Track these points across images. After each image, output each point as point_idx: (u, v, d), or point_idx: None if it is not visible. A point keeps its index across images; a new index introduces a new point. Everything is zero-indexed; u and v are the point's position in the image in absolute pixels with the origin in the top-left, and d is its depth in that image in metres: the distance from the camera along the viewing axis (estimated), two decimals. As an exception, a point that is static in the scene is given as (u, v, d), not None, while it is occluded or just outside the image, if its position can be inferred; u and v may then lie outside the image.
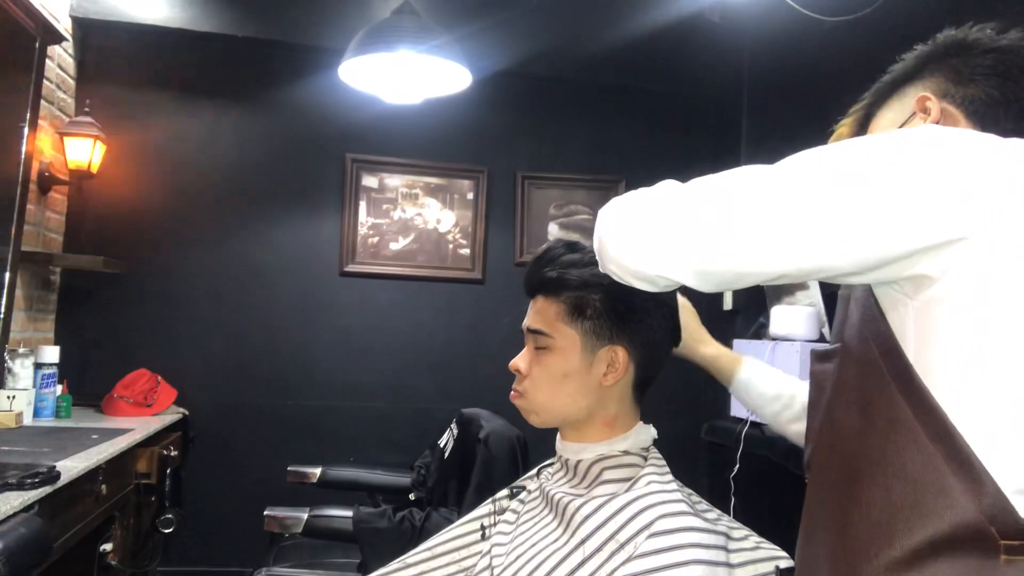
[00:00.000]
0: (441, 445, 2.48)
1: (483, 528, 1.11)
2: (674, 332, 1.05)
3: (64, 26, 2.88)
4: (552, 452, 1.10)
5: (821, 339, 2.68)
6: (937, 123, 0.83)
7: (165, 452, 2.59)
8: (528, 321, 1.05)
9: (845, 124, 0.96)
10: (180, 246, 3.22)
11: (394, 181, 3.45)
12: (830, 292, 2.89)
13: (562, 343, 1.01)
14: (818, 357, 0.82)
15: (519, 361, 1.05)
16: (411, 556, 1.13)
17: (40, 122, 2.67)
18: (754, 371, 1.14)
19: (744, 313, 3.13)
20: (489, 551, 1.03)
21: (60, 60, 2.92)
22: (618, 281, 0.79)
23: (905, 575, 0.63)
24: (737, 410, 2.90)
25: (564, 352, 1.01)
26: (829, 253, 0.64)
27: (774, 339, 2.68)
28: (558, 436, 1.07)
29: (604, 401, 1.01)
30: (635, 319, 1.00)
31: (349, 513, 2.00)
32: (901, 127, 0.88)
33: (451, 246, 3.48)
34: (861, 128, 0.94)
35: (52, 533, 1.61)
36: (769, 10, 2.82)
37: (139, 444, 2.38)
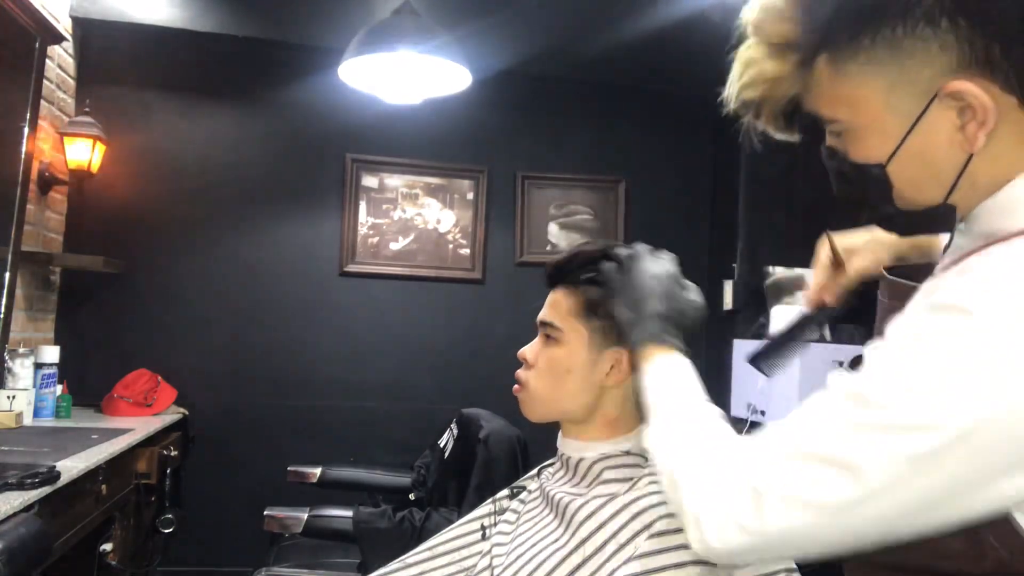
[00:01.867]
0: (441, 445, 2.49)
1: (483, 528, 1.11)
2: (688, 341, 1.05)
3: (64, 26, 2.88)
4: (553, 452, 1.10)
5: (821, 339, 2.68)
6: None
7: (165, 452, 2.59)
8: (541, 315, 1.05)
9: (765, 33, 0.73)
10: (180, 246, 3.22)
11: (394, 181, 3.45)
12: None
13: (570, 337, 1.01)
14: None
15: (527, 350, 1.06)
16: (411, 556, 1.13)
17: (40, 122, 2.67)
18: None
19: (744, 313, 3.13)
20: (489, 551, 1.03)
21: (60, 60, 2.92)
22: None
23: None
24: (737, 410, 2.91)
25: (570, 347, 1.01)
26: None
27: (774, 339, 2.68)
28: (560, 434, 1.07)
29: (605, 401, 1.01)
30: None
31: (349, 513, 2.00)
32: (915, 124, 0.68)
33: (451, 246, 3.48)
34: (799, 76, 0.73)
35: (52, 533, 1.61)
36: (769, 10, 2.81)
37: (139, 444, 2.38)
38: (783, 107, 0.79)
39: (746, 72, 0.75)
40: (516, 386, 1.06)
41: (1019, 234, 0.65)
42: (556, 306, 1.03)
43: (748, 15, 0.73)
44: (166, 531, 2.59)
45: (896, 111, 0.68)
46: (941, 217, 0.84)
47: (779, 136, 0.84)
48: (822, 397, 0.67)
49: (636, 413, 1.04)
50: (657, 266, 0.94)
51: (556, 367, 1.02)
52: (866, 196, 0.80)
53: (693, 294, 0.94)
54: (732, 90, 0.78)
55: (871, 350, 0.67)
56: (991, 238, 0.68)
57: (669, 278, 0.93)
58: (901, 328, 0.66)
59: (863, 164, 0.74)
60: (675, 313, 0.89)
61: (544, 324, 1.04)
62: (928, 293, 0.68)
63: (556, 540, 0.95)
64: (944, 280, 0.68)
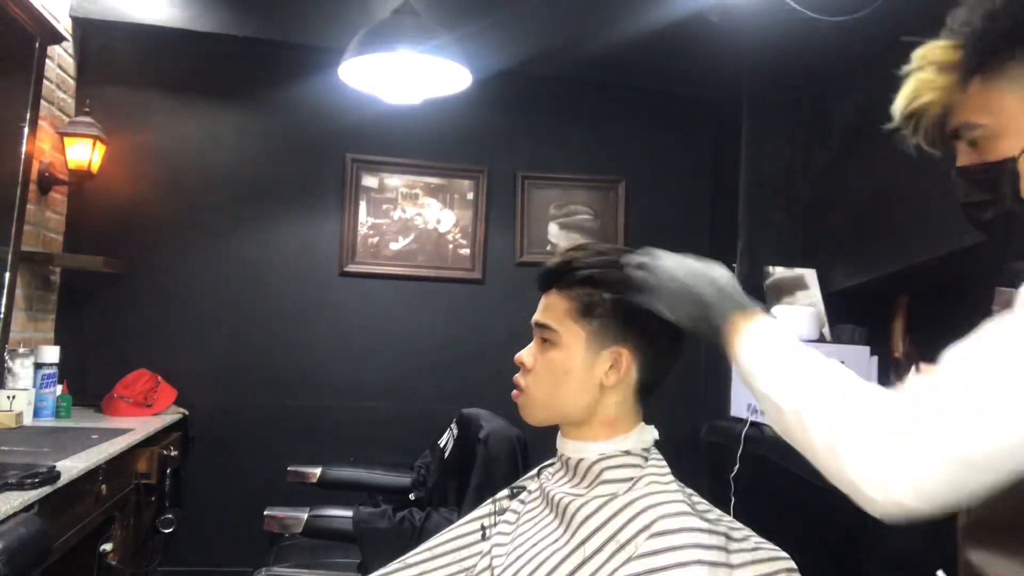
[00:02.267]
0: (441, 445, 2.49)
1: (483, 528, 1.11)
2: (684, 341, 1.05)
3: (64, 26, 2.89)
4: (552, 452, 1.10)
5: (821, 339, 2.68)
6: None
7: (165, 452, 2.59)
8: (537, 315, 1.05)
9: (934, 58, 0.89)
10: (180, 246, 3.22)
11: (394, 181, 3.45)
12: (830, 292, 2.89)
13: (567, 339, 1.01)
14: None
15: (524, 355, 1.05)
16: (411, 556, 1.13)
17: (40, 122, 2.67)
18: None
19: (744, 313, 3.13)
20: (489, 551, 1.03)
21: (60, 60, 2.92)
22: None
23: None
24: (737, 410, 2.90)
25: (568, 348, 1.01)
26: None
27: (774, 339, 2.68)
28: (559, 434, 1.07)
29: (604, 401, 1.01)
30: (644, 323, 1.00)
31: (349, 513, 2.00)
32: None
33: (451, 246, 3.48)
34: (960, 88, 0.86)
35: (52, 533, 1.61)
36: (769, 10, 2.81)
37: (139, 444, 2.38)
38: (937, 120, 0.91)
39: (915, 89, 0.90)
40: (515, 391, 1.06)
41: None
42: (551, 308, 1.03)
43: (919, 48, 0.90)
44: (166, 531, 2.59)
45: None
46: None
47: (928, 148, 0.96)
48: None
49: (635, 413, 1.04)
50: (672, 257, 0.94)
51: (554, 369, 1.02)
52: (998, 191, 0.86)
53: (716, 264, 0.94)
54: (899, 105, 0.92)
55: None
56: None
57: (693, 261, 0.93)
58: None
59: (1000, 161, 0.84)
60: (727, 285, 0.90)
61: (540, 326, 1.04)
62: None
63: (556, 540, 0.96)
64: None
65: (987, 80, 0.83)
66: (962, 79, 0.86)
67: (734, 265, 3.21)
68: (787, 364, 0.80)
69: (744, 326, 0.85)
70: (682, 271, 0.92)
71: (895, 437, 0.67)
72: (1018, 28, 0.81)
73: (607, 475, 0.99)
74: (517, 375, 1.06)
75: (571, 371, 1.01)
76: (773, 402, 0.79)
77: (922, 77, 0.90)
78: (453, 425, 2.46)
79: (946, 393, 0.67)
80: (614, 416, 1.02)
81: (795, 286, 2.91)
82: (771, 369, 0.81)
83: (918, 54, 0.91)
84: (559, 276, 1.04)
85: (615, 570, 0.87)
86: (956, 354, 0.69)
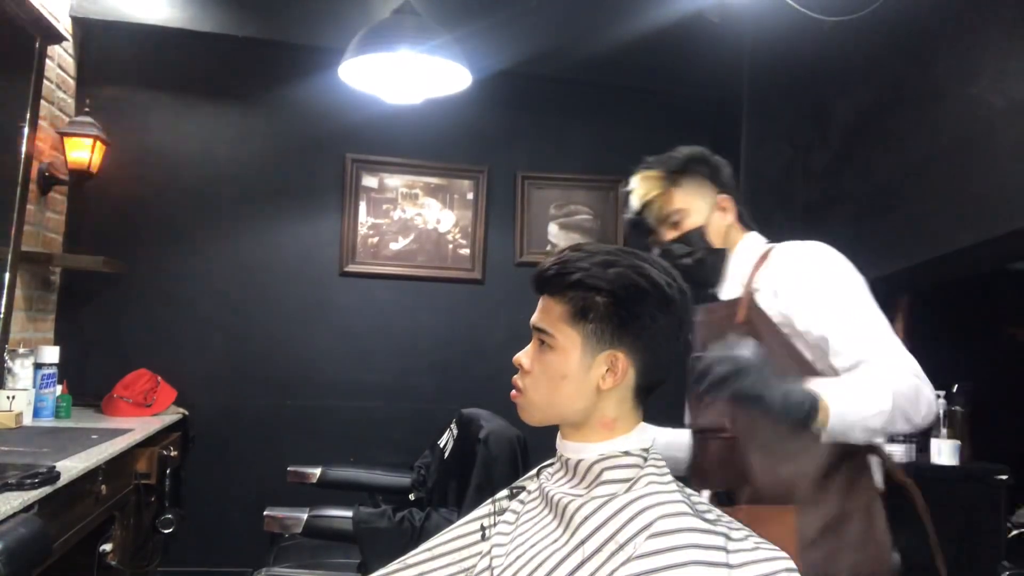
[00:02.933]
0: (441, 445, 2.48)
1: (483, 528, 1.11)
2: (681, 342, 1.05)
3: (64, 26, 2.89)
4: (552, 452, 1.10)
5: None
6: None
7: (165, 452, 2.59)
8: (533, 319, 1.05)
9: (651, 177, 1.52)
10: (180, 246, 3.22)
11: (394, 181, 3.45)
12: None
13: (563, 343, 1.01)
14: None
15: (522, 357, 1.05)
16: (411, 556, 1.13)
17: (40, 122, 2.67)
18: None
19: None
20: (489, 551, 1.03)
21: (60, 60, 2.92)
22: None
23: None
24: (737, 410, 2.90)
25: (564, 352, 1.01)
26: None
27: (774, 339, 2.68)
28: (558, 435, 1.07)
29: (602, 404, 1.01)
30: (638, 325, 0.99)
31: (349, 513, 2.00)
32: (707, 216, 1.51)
33: (451, 246, 3.48)
34: (666, 192, 1.49)
35: (52, 533, 1.61)
36: (769, 10, 2.82)
37: (139, 444, 2.38)
38: (657, 209, 1.51)
39: (646, 191, 1.51)
40: (513, 392, 1.06)
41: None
42: (547, 312, 1.03)
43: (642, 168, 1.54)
44: (166, 531, 2.59)
45: (704, 203, 1.52)
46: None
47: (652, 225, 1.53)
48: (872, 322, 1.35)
49: (634, 414, 1.04)
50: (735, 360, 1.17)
51: (551, 373, 1.01)
52: (693, 247, 1.49)
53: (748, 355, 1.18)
54: (636, 198, 1.52)
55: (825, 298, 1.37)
56: (766, 249, 1.49)
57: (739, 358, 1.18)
58: (829, 285, 1.40)
59: (690, 230, 1.50)
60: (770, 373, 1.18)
61: (537, 330, 1.04)
62: (775, 282, 1.41)
63: (555, 541, 0.96)
64: (777, 271, 1.43)
65: (677, 187, 1.50)
66: (667, 186, 1.50)
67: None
68: (861, 409, 1.23)
69: (822, 405, 1.19)
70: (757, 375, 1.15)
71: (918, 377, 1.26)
72: (683, 164, 1.51)
73: (606, 475, 0.99)
74: (516, 376, 1.06)
75: (567, 375, 1.00)
76: (872, 428, 1.25)
77: (647, 185, 1.50)
78: (453, 425, 2.46)
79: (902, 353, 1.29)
80: (613, 418, 1.02)
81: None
82: (857, 416, 1.22)
83: (641, 173, 1.52)
84: (552, 279, 1.03)
85: (614, 570, 0.87)
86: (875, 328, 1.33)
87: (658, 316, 1.00)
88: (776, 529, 1.23)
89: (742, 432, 1.37)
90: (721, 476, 1.40)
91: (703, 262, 1.48)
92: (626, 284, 0.99)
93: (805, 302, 1.36)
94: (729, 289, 1.49)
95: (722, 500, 1.36)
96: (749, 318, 1.39)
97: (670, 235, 1.48)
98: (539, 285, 1.05)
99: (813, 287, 1.37)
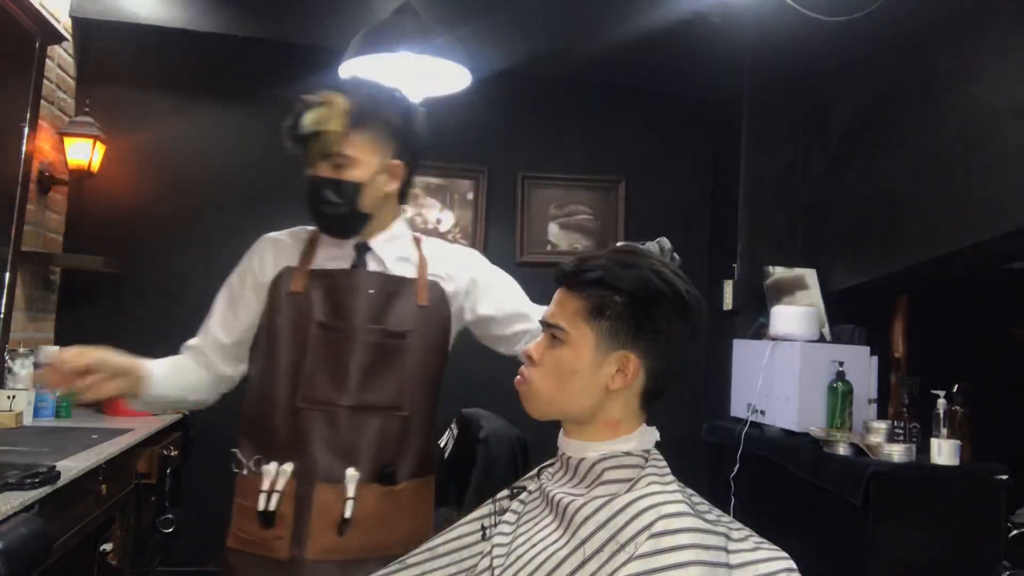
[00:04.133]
0: (441, 445, 2.49)
1: (483, 528, 1.11)
2: (694, 350, 1.05)
3: (64, 26, 2.89)
4: (553, 453, 1.10)
5: (821, 339, 2.68)
6: None
7: (165, 452, 2.59)
8: (547, 314, 1.05)
9: (337, 108, 1.36)
10: (180, 246, 3.22)
11: (394, 181, 3.44)
12: (830, 292, 2.89)
13: (576, 338, 1.01)
14: None
15: (532, 348, 1.05)
16: (411, 556, 1.13)
17: (40, 122, 2.67)
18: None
19: (744, 313, 3.14)
20: (490, 552, 1.03)
21: (60, 60, 2.92)
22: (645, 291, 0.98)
23: None
24: (737, 410, 2.91)
25: (576, 348, 1.01)
26: None
27: (774, 339, 2.69)
28: (561, 432, 1.07)
29: (608, 404, 1.01)
30: (653, 329, 0.99)
31: (349, 513, 1.99)
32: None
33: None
34: (345, 133, 1.36)
35: (52, 533, 1.61)
36: (769, 10, 2.82)
37: (139, 444, 2.38)
38: (327, 142, 1.35)
39: (322, 117, 1.35)
40: (518, 378, 1.06)
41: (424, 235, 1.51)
42: (563, 307, 1.03)
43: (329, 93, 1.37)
44: (166, 531, 2.59)
45: (375, 161, 1.38)
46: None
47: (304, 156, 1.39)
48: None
49: (639, 416, 1.04)
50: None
51: (561, 368, 1.01)
52: (344, 201, 1.35)
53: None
54: (309, 120, 1.36)
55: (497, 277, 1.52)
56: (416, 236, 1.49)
57: None
58: (486, 269, 1.52)
59: (350, 181, 1.36)
60: None
61: (550, 325, 1.04)
62: (466, 272, 1.48)
63: (556, 541, 0.96)
64: (434, 256, 1.47)
65: (360, 131, 1.35)
66: (349, 126, 1.33)
67: (734, 265, 3.22)
68: None
69: None
70: None
71: None
72: (380, 110, 1.39)
73: (608, 475, 0.99)
74: (523, 367, 1.06)
75: (577, 371, 1.00)
76: None
77: (326, 112, 1.33)
78: (453, 425, 2.46)
79: None
80: (617, 419, 1.02)
81: (795, 286, 2.91)
82: None
83: (328, 95, 1.35)
84: (572, 275, 1.03)
85: (615, 570, 0.87)
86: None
87: (674, 322, 1.00)
88: (426, 497, 1.45)
89: (415, 410, 1.39)
90: (378, 455, 1.35)
91: (344, 221, 1.37)
92: (645, 287, 0.99)
93: (501, 288, 1.50)
94: (375, 262, 1.41)
95: (385, 480, 1.34)
96: (430, 301, 1.41)
97: (325, 172, 1.35)
98: (559, 279, 1.05)
99: (499, 274, 1.52)
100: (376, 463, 1.35)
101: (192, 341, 1.54)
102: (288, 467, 1.35)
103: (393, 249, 1.44)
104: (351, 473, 1.33)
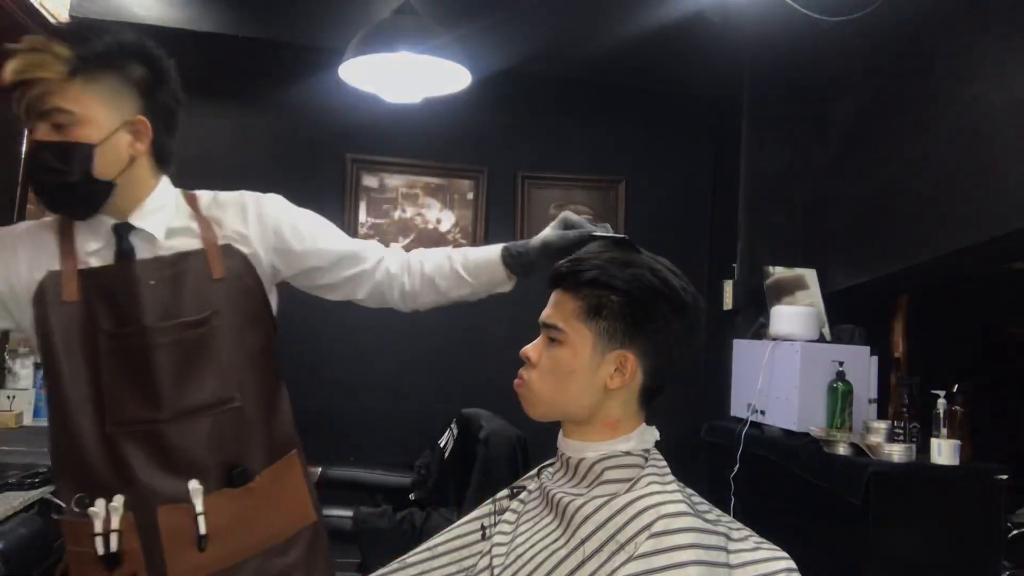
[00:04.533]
0: (441, 445, 2.49)
1: (483, 528, 1.11)
2: (692, 348, 1.05)
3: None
4: (553, 452, 1.10)
5: (821, 339, 2.68)
6: None
7: (165, 452, 2.58)
8: (544, 315, 1.05)
9: (52, 53, 1.11)
10: (180, 246, 3.21)
11: (394, 181, 3.45)
12: (830, 292, 2.89)
13: (573, 339, 1.00)
14: None
15: (530, 350, 1.05)
16: (411, 556, 1.13)
17: (40, 122, 2.67)
18: None
19: (744, 313, 3.13)
20: (489, 551, 1.03)
21: (60, 60, 2.92)
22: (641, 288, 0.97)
23: None
24: (737, 410, 2.91)
25: (574, 348, 1.00)
26: None
27: (774, 339, 2.69)
28: (560, 433, 1.07)
29: (607, 404, 1.01)
30: (651, 327, 0.99)
31: (349, 513, 2.00)
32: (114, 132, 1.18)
33: (451, 246, 3.48)
34: (62, 82, 1.12)
35: (52, 533, 1.61)
36: (769, 10, 2.82)
37: (139, 444, 2.38)
38: (36, 96, 1.09)
39: (29, 64, 1.07)
40: (517, 380, 1.06)
41: None
42: (560, 307, 1.03)
43: (38, 36, 1.10)
44: (166, 531, 2.59)
45: (111, 117, 1.14)
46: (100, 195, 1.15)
47: (19, 116, 1.12)
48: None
49: (638, 415, 1.04)
50: None
51: (559, 368, 1.01)
52: (70, 167, 1.10)
53: None
54: (11, 69, 1.07)
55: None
56: (190, 195, 1.35)
57: None
58: (288, 213, 1.37)
59: (78, 143, 1.10)
60: None
61: (547, 326, 1.04)
62: (270, 224, 1.34)
63: (556, 540, 0.96)
64: (266, 214, 1.34)
65: (87, 82, 1.10)
66: (69, 73, 1.08)
67: (734, 265, 3.22)
68: None
69: None
70: None
71: None
72: (113, 56, 1.13)
73: (607, 475, 0.99)
74: (522, 369, 1.06)
75: (576, 371, 1.00)
76: None
77: (38, 59, 1.07)
78: (453, 425, 2.47)
79: None
80: (617, 418, 1.02)
81: (795, 286, 2.91)
82: None
83: (39, 40, 1.08)
84: (568, 275, 1.03)
85: (615, 570, 0.87)
86: None
87: (672, 320, 1.00)
88: (295, 472, 1.32)
89: (249, 395, 1.24)
90: (220, 458, 1.19)
91: (75, 193, 1.13)
92: (641, 285, 0.99)
93: (315, 230, 1.37)
94: (144, 241, 1.20)
95: (237, 481, 1.19)
96: (228, 271, 1.23)
97: (44, 134, 1.11)
98: (554, 280, 1.05)
99: (304, 215, 1.39)
100: (220, 467, 1.19)
101: None
102: (118, 500, 1.14)
103: (161, 220, 1.22)
104: (194, 487, 1.17)
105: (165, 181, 1.28)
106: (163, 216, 1.23)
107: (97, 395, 1.14)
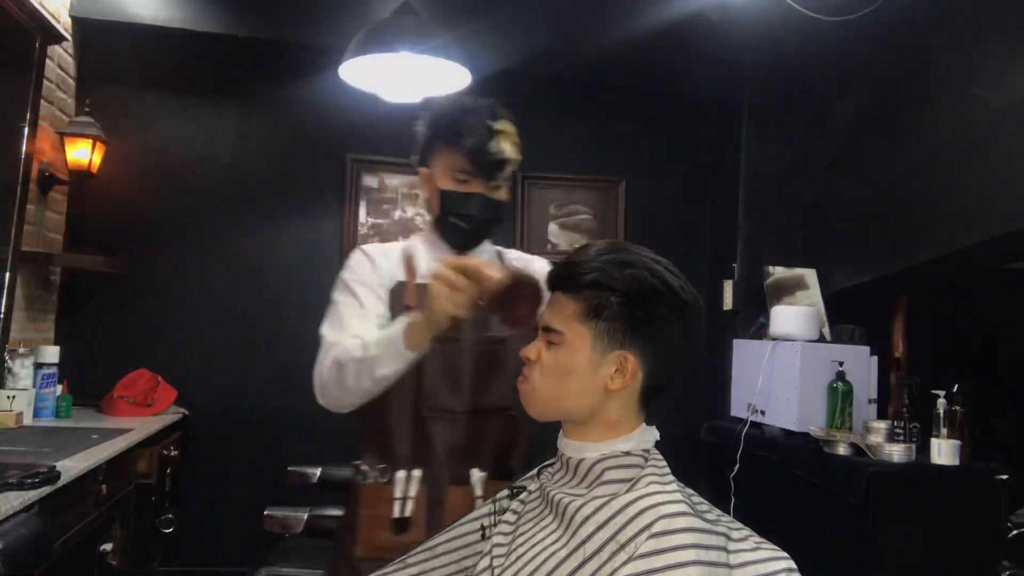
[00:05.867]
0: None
1: (483, 528, 1.11)
2: (692, 347, 1.05)
3: (64, 26, 2.89)
4: (553, 452, 1.10)
5: (821, 339, 2.68)
6: None
7: (165, 452, 2.59)
8: (543, 318, 1.05)
9: (516, 140, 1.49)
10: (180, 246, 3.22)
11: (394, 181, 3.45)
12: (830, 292, 2.89)
13: (573, 340, 1.00)
14: None
15: (530, 350, 1.05)
16: (411, 556, 1.13)
17: (40, 122, 2.67)
18: None
19: (744, 313, 3.13)
20: (489, 551, 1.03)
21: (60, 60, 2.92)
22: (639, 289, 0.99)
23: None
24: (737, 410, 2.91)
25: (573, 349, 1.01)
26: None
27: (774, 339, 2.69)
28: (560, 433, 1.07)
29: (607, 404, 1.01)
30: (650, 327, 0.99)
31: (349, 513, 1.99)
32: None
33: (451, 246, 3.48)
34: (518, 161, 1.48)
35: (52, 533, 1.61)
36: (769, 10, 2.82)
37: (139, 444, 2.38)
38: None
39: (515, 148, 1.45)
40: (520, 377, 1.07)
41: None
42: (559, 310, 1.03)
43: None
44: (166, 531, 2.59)
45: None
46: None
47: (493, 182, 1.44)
48: None
49: (638, 415, 1.04)
50: None
51: (559, 369, 1.01)
52: (498, 220, 1.45)
53: None
54: (508, 150, 1.43)
55: None
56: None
57: None
58: None
59: (502, 201, 1.45)
60: None
61: (546, 329, 1.04)
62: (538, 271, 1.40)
63: (556, 541, 0.96)
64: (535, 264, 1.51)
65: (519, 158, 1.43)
66: (519, 157, 1.44)
67: (734, 265, 3.22)
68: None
69: None
70: None
71: None
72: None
73: (607, 476, 0.99)
74: (524, 367, 1.07)
75: (576, 371, 1.00)
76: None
77: (511, 140, 1.44)
78: (453, 425, 2.46)
79: None
80: (617, 418, 1.02)
81: (795, 286, 2.91)
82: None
83: (508, 124, 1.46)
84: (566, 277, 1.03)
85: (615, 570, 0.87)
86: None
87: (671, 320, 1.00)
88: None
89: (522, 410, 1.37)
90: (496, 454, 1.40)
91: (479, 235, 1.46)
92: (640, 286, 0.98)
93: None
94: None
95: (505, 476, 1.36)
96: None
97: (479, 189, 1.42)
98: (553, 282, 1.05)
99: None
100: (496, 462, 1.39)
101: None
102: (417, 473, 1.36)
103: (485, 258, 1.46)
104: (477, 473, 1.37)
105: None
106: (485, 256, 1.49)
107: (418, 384, 1.37)
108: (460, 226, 1.44)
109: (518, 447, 1.43)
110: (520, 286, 1.16)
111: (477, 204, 1.41)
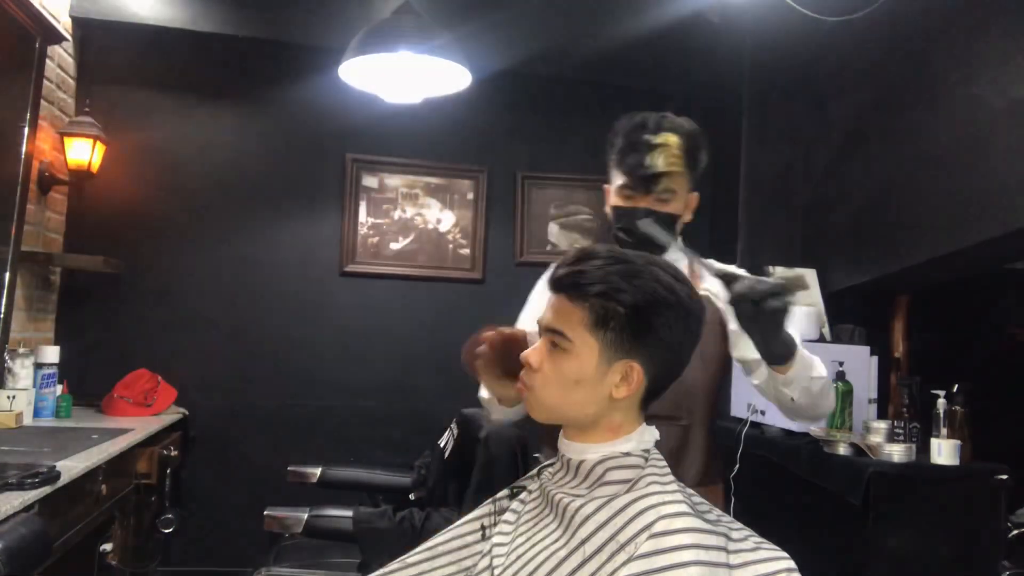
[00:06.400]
0: (441, 445, 2.48)
1: (483, 528, 1.11)
2: (691, 350, 1.04)
3: (64, 26, 2.89)
4: (552, 453, 1.10)
5: (821, 339, 2.68)
6: None
7: (165, 452, 2.59)
8: (549, 320, 1.02)
9: (678, 149, 1.52)
10: (180, 246, 3.22)
11: (394, 181, 3.45)
12: (830, 292, 2.89)
13: (580, 348, 0.99)
14: None
15: (531, 355, 1.03)
16: (411, 556, 1.13)
17: (40, 122, 2.67)
18: None
19: (744, 313, 3.13)
20: (489, 551, 1.03)
21: (60, 60, 2.92)
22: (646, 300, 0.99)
23: None
24: (737, 410, 2.90)
25: (580, 358, 0.99)
26: None
27: (774, 339, 2.68)
28: (561, 434, 1.07)
29: (611, 411, 1.01)
30: (656, 336, 0.99)
31: (349, 513, 2.00)
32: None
33: (451, 246, 3.48)
34: (680, 173, 1.54)
35: (52, 533, 1.61)
36: (769, 10, 2.81)
37: (139, 444, 2.38)
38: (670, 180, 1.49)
39: (673, 161, 1.50)
40: (519, 385, 1.05)
41: None
42: (566, 316, 1.00)
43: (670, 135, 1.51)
44: (166, 531, 2.59)
45: (684, 193, 1.57)
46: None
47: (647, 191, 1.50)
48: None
49: (638, 418, 1.04)
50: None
51: (565, 377, 1.00)
52: (665, 228, 1.47)
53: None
54: (663, 163, 1.48)
55: None
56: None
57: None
58: None
59: (671, 214, 1.52)
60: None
61: (553, 331, 1.02)
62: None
63: (556, 541, 0.95)
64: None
65: (687, 171, 1.53)
66: (682, 168, 1.50)
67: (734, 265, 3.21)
68: (811, 366, 1.38)
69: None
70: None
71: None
72: (697, 153, 1.56)
73: (608, 476, 0.98)
74: (523, 373, 1.05)
75: (582, 381, 0.99)
76: (808, 388, 1.36)
77: (670, 153, 1.48)
78: (453, 425, 2.46)
79: None
80: (618, 423, 1.02)
81: (795, 286, 2.91)
82: (805, 371, 1.35)
83: (668, 137, 1.50)
84: (572, 285, 1.01)
85: (615, 570, 0.87)
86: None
87: (676, 328, 0.99)
88: (714, 504, 1.34)
89: (693, 418, 1.42)
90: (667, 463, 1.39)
91: (656, 249, 1.40)
92: (649, 297, 0.97)
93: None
94: None
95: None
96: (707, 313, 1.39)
97: (643, 202, 1.46)
98: (560, 286, 1.03)
99: None
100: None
101: None
102: None
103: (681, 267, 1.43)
104: None
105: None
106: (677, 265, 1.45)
107: None
108: (624, 240, 1.46)
109: (687, 459, 1.40)
110: (513, 344, 1.19)
111: (639, 218, 1.44)
